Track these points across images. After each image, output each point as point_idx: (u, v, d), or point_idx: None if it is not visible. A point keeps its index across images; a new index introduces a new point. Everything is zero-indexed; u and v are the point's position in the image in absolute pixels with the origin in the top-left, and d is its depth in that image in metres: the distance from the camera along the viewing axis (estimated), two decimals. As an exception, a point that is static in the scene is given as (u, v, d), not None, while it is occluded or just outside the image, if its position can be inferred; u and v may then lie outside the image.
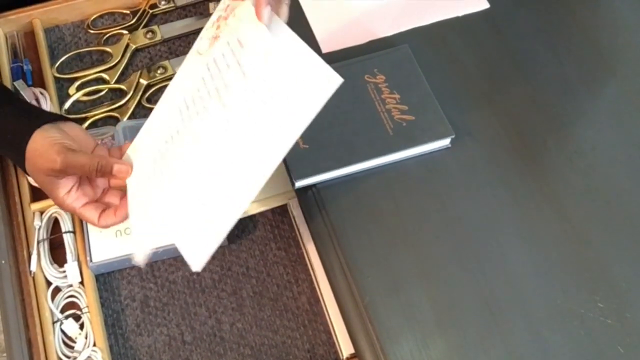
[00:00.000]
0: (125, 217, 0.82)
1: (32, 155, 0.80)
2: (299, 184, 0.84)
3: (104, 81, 1.07)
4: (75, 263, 0.90)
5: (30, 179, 0.93)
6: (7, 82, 1.04)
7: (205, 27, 0.81)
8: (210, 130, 0.74)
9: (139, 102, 1.05)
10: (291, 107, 0.68)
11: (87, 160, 0.79)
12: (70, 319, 0.88)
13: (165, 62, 1.08)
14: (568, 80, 0.92)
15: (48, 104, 1.00)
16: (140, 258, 0.78)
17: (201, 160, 0.75)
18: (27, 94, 1.00)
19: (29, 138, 0.80)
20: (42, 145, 0.79)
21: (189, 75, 0.81)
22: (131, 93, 1.05)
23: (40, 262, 0.91)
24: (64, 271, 0.90)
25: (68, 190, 0.81)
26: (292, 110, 0.68)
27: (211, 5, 1.14)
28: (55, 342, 0.87)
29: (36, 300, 0.89)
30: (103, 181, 0.85)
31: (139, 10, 1.14)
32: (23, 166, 0.82)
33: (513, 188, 0.84)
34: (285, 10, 0.74)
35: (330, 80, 0.66)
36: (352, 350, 0.79)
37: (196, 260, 0.73)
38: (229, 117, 0.73)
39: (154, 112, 0.85)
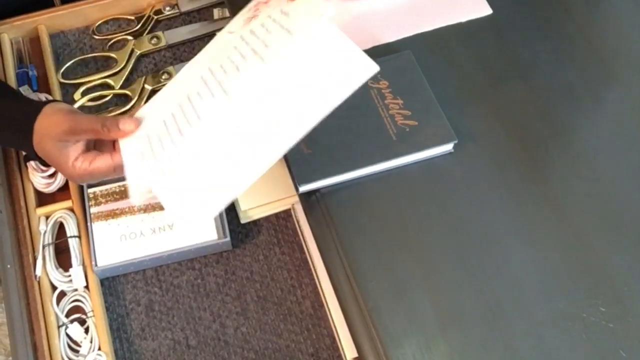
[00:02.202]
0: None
1: (40, 127, 0.82)
2: (303, 188, 0.84)
3: (109, 87, 1.08)
4: (80, 267, 0.90)
5: (35, 173, 0.95)
6: (13, 87, 1.05)
7: (240, 13, 0.83)
8: (243, 87, 0.74)
9: (144, 107, 1.05)
10: (327, 82, 0.70)
11: (94, 118, 0.82)
12: (75, 323, 0.89)
13: (170, 68, 1.09)
14: (570, 85, 0.92)
15: (53, 110, 1.00)
16: (135, 198, 0.77)
17: (229, 116, 0.74)
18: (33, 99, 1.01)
19: (39, 114, 0.82)
20: (51, 116, 0.82)
21: (216, 48, 0.81)
22: (136, 98, 1.06)
23: (45, 267, 0.91)
24: (69, 275, 0.91)
25: (76, 157, 0.82)
26: (326, 86, 0.70)
27: (215, 11, 1.15)
28: (60, 346, 0.87)
29: (41, 304, 0.90)
30: (109, 148, 0.85)
31: (143, 16, 1.15)
32: (30, 145, 0.83)
33: (515, 193, 0.84)
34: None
35: (368, 68, 0.68)
36: (356, 354, 0.80)
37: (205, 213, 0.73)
38: (266, 74, 0.73)
39: (167, 87, 0.86)
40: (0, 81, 0.97)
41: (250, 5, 0.81)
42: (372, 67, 0.68)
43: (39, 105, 0.84)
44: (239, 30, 0.79)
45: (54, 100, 0.90)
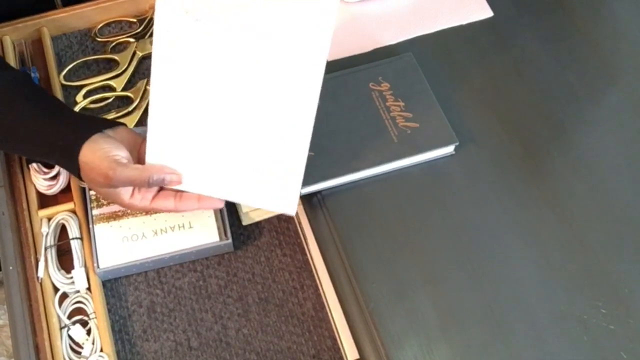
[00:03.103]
0: (213, 205, 0.84)
1: (84, 168, 0.80)
2: (304, 190, 0.84)
3: (111, 89, 1.08)
4: (83, 269, 0.91)
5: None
6: (15, 89, 1.05)
7: None
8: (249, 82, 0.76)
9: (146, 109, 1.05)
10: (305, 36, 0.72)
11: (137, 175, 0.79)
12: (78, 325, 0.89)
13: (172, 70, 1.09)
14: (571, 87, 0.92)
15: (55, 112, 1.00)
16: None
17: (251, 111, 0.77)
18: (35, 101, 1.01)
19: (79, 151, 0.80)
20: (92, 160, 0.79)
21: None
22: (138, 100, 1.06)
23: (47, 269, 0.91)
24: (71, 277, 0.91)
25: (131, 194, 0.82)
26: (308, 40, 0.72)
27: (217, 13, 1.15)
28: (62, 347, 0.87)
29: (44, 306, 0.90)
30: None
31: (145, 19, 1.15)
32: (79, 176, 0.82)
33: (516, 195, 0.84)
34: None
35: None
36: (357, 356, 0.80)
37: (289, 206, 0.79)
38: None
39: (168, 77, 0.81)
40: (44, 94, 0.92)
41: None
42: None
43: (79, 139, 0.80)
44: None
45: (91, 127, 0.83)
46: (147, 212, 0.92)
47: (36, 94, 0.89)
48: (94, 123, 0.85)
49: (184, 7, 0.73)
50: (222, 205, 0.84)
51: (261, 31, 0.73)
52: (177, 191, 0.82)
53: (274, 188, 0.79)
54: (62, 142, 0.81)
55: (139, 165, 0.81)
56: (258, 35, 0.73)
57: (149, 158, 0.81)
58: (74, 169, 0.81)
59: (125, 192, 0.81)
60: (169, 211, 0.84)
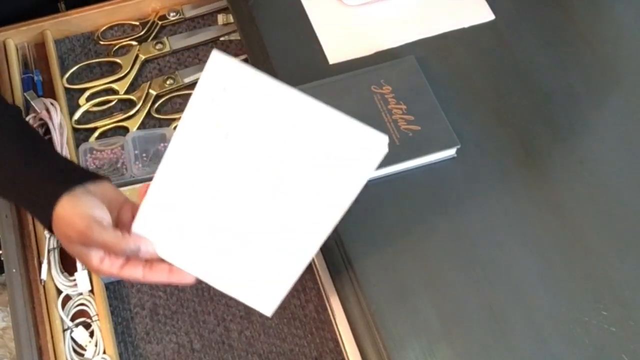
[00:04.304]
0: (182, 280, 0.77)
1: (59, 222, 0.74)
2: (307, 193, 0.84)
3: (114, 92, 1.09)
4: (85, 272, 0.91)
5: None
6: (18, 92, 1.05)
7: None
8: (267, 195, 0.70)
9: (149, 112, 1.06)
10: (340, 176, 0.65)
11: (115, 241, 0.72)
12: (80, 327, 0.89)
13: (175, 73, 1.09)
14: (572, 90, 0.92)
15: (58, 115, 1.01)
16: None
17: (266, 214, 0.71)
18: (38, 104, 1.02)
19: (56, 202, 0.73)
20: (71, 215, 0.73)
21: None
22: (141, 103, 1.06)
23: (50, 271, 0.92)
24: (74, 280, 0.91)
25: (101, 259, 0.74)
26: (341, 180, 0.66)
27: (219, 16, 1.15)
28: (65, 349, 0.88)
29: (46, 308, 0.90)
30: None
31: (148, 22, 1.15)
32: (48, 227, 0.76)
33: (518, 197, 0.84)
34: None
35: (377, 142, 0.63)
36: (359, 358, 0.80)
37: (267, 307, 0.74)
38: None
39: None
40: (31, 133, 0.86)
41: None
42: (382, 140, 0.62)
43: (59, 189, 0.74)
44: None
45: (73, 179, 0.76)
46: (114, 277, 0.86)
47: (22, 133, 0.84)
48: (77, 174, 0.78)
49: (216, 121, 0.67)
50: (192, 281, 0.76)
51: (295, 154, 0.66)
52: (147, 261, 0.75)
53: (258, 287, 0.74)
54: (39, 189, 0.76)
55: (119, 232, 0.73)
56: (290, 156, 0.66)
57: (136, 226, 0.75)
58: (45, 219, 0.75)
59: (95, 255, 0.73)
60: (137, 280, 0.78)
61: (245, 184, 0.69)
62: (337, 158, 0.65)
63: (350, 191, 0.66)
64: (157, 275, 0.76)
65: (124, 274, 0.75)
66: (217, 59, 0.64)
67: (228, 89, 0.65)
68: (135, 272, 0.75)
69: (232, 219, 0.71)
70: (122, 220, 0.76)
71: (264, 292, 0.73)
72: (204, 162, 0.70)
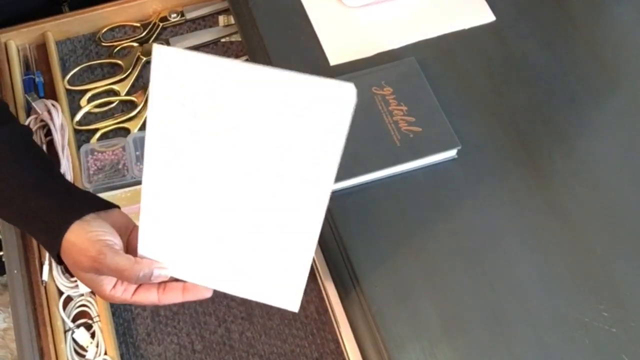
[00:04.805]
0: (199, 296, 0.75)
1: (70, 248, 0.72)
2: (308, 194, 0.84)
3: (115, 93, 1.09)
4: (87, 272, 0.91)
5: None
6: (19, 94, 1.06)
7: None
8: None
9: (150, 113, 1.06)
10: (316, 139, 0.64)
11: (128, 266, 0.70)
12: (82, 328, 0.89)
13: (175, 74, 1.10)
14: (573, 92, 0.93)
15: (59, 116, 1.01)
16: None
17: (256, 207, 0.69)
18: (39, 106, 1.02)
19: (67, 229, 0.72)
20: (82, 241, 0.71)
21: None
22: (142, 105, 1.07)
23: (52, 272, 0.92)
24: (76, 281, 0.91)
25: (113, 286, 0.73)
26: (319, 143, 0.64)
27: (220, 18, 1.16)
28: (66, 350, 0.88)
29: (48, 309, 0.90)
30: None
31: (149, 23, 1.15)
32: (56, 256, 0.74)
33: (519, 198, 0.84)
34: None
35: (344, 92, 0.61)
36: (360, 359, 0.80)
37: (292, 303, 0.72)
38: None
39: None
40: (40, 157, 0.84)
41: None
42: (349, 89, 0.60)
43: (71, 216, 0.73)
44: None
45: (85, 206, 0.75)
46: (127, 304, 0.85)
47: (32, 156, 0.83)
48: (88, 201, 0.77)
49: (181, 100, 0.65)
50: (209, 295, 0.75)
51: (265, 131, 0.65)
52: (160, 283, 0.74)
53: (277, 284, 0.72)
54: (49, 216, 0.74)
55: (131, 257, 0.72)
56: (262, 134, 0.65)
57: (142, 250, 0.73)
58: (53, 246, 0.73)
59: (108, 282, 0.72)
60: (152, 304, 0.76)
61: (231, 175, 0.68)
62: (309, 120, 0.63)
63: (334, 150, 0.64)
64: (172, 296, 0.74)
65: (138, 299, 0.74)
66: (162, 52, 0.63)
67: (184, 83, 0.64)
68: (150, 297, 0.74)
69: (228, 215, 0.70)
70: (133, 246, 0.74)
71: (284, 289, 0.72)
72: (183, 165, 0.68)
